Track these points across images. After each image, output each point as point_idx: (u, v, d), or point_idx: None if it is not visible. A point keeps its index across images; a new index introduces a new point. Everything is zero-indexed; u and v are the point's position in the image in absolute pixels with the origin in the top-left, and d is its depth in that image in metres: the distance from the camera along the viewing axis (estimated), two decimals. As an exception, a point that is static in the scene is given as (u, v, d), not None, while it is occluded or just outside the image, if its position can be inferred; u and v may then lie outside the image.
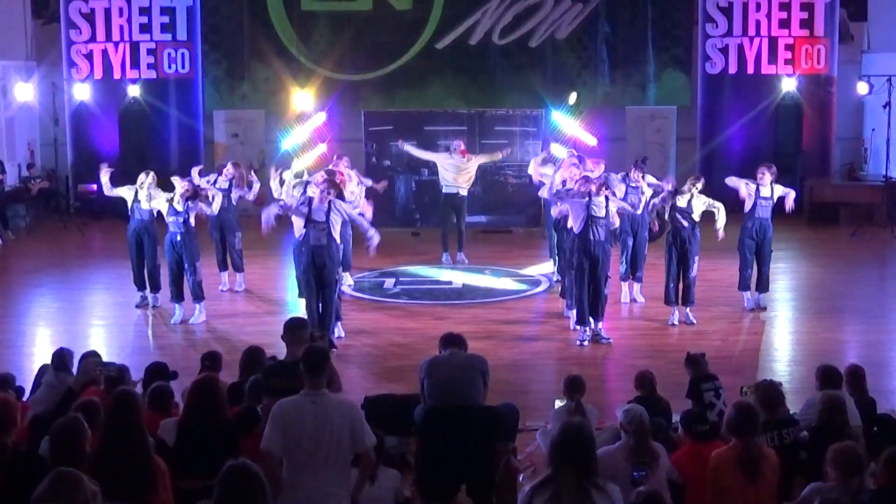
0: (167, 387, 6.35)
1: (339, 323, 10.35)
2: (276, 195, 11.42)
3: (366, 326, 10.96)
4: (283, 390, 5.58)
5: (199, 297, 11.12)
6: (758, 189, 11.16)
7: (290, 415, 5.12)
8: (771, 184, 11.14)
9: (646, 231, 11.63)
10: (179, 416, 5.83)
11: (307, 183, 11.17)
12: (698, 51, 19.09)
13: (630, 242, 11.59)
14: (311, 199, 9.91)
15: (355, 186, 12.30)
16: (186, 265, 10.98)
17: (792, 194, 11.27)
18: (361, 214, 11.10)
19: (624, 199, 10.86)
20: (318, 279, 9.88)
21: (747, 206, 11.21)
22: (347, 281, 12.47)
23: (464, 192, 14.07)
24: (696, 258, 10.79)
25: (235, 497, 4.11)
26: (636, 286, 11.77)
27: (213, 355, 7.19)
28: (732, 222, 11.41)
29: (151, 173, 11.51)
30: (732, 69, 18.68)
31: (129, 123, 18.26)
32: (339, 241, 10.02)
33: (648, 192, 11.59)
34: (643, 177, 11.56)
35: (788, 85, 18.11)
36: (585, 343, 10.08)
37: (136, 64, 18.52)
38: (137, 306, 11.74)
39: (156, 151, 18.39)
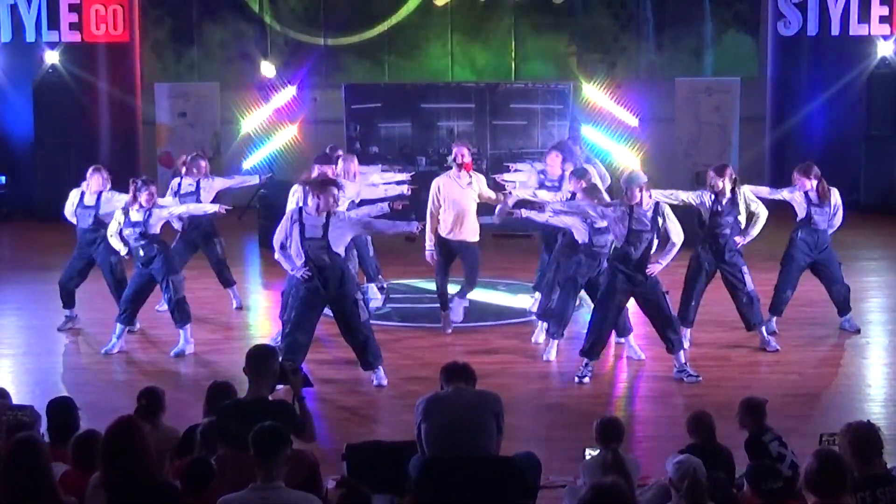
0: (96, 434, 6.23)
1: (380, 366, 10.04)
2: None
3: (347, 356, 10.96)
4: (242, 437, 5.60)
5: (185, 318, 10.86)
6: (806, 194, 11.16)
7: None
8: (818, 187, 11.08)
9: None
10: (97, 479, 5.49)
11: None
12: (768, 7, 19.14)
13: None
14: (300, 210, 9.68)
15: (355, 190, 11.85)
16: (168, 280, 10.76)
17: (838, 217, 11.22)
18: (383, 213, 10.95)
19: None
20: (336, 309, 9.78)
21: (800, 214, 11.22)
22: (374, 295, 12.40)
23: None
24: (745, 268, 10.80)
25: None
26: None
27: (150, 393, 7.16)
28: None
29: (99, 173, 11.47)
30: (812, 30, 18.71)
31: (46, 99, 18.30)
32: (342, 254, 9.80)
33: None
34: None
35: (884, 49, 18.17)
36: (585, 380, 10.02)
37: (55, 24, 18.56)
38: (60, 329, 11.75)
39: (81, 135, 18.43)
